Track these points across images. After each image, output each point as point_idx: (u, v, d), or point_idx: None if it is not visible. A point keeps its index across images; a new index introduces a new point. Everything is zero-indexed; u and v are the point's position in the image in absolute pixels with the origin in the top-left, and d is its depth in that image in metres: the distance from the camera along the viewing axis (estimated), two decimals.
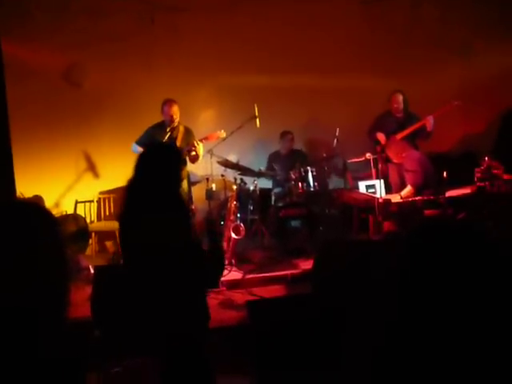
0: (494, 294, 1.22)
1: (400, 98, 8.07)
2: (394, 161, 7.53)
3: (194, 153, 7.15)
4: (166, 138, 6.98)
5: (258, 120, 7.47)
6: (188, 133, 7.35)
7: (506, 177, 7.28)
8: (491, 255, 1.28)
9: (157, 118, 7.37)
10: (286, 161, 8.37)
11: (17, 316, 1.35)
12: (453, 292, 1.23)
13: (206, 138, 7.25)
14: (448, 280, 1.24)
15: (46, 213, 1.48)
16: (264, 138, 8.56)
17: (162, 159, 3.61)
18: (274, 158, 8.65)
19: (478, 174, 7.52)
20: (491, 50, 9.32)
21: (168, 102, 7.25)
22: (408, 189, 7.16)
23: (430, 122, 7.74)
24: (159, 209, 3.36)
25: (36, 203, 1.50)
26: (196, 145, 7.08)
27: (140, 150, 7.15)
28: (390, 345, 1.27)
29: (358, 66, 8.89)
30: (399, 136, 7.94)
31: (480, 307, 1.21)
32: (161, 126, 7.30)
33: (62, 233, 1.48)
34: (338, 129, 7.93)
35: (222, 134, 7.26)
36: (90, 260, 7.06)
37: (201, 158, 7.31)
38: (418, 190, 7.17)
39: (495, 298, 1.22)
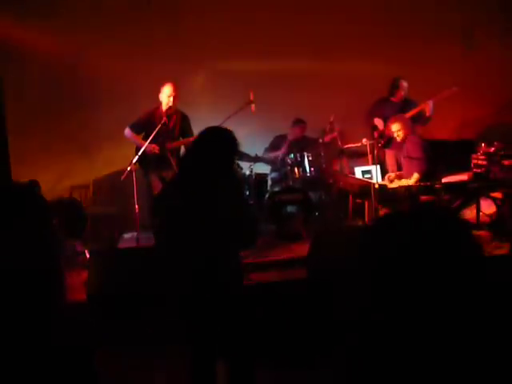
0: (455, 280, 1.21)
1: (406, 84, 8.08)
2: (401, 135, 7.32)
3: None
4: (161, 123, 6.88)
5: (253, 105, 7.43)
6: (184, 120, 7.23)
7: (506, 162, 7.22)
8: (454, 243, 1.25)
9: (154, 103, 7.32)
10: (292, 146, 8.37)
11: (10, 301, 1.35)
12: (417, 281, 1.21)
13: None
14: (410, 268, 1.21)
15: (37, 197, 1.47)
16: (261, 124, 8.54)
17: (219, 144, 3.80)
18: (279, 140, 8.64)
19: (475, 161, 7.51)
20: (491, 36, 9.31)
21: (165, 87, 7.11)
22: (416, 176, 7.14)
23: (429, 106, 7.74)
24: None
25: (27, 187, 1.49)
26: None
27: (129, 133, 7.13)
28: (364, 338, 1.25)
29: (356, 52, 8.85)
30: None
31: (440, 294, 1.19)
32: (156, 111, 7.18)
33: (52, 217, 1.48)
34: (333, 115, 7.92)
35: None
36: (86, 245, 7.04)
37: None
38: (424, 177, 7.15)
39: (456, 284, 1.21)
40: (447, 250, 1.22)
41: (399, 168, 7.69)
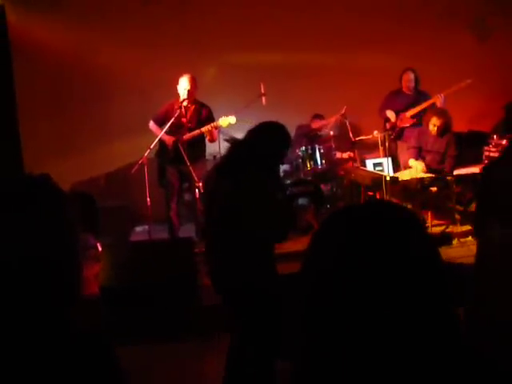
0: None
1: (411, 76, 8.03)
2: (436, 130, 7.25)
3: (207, 136, 7.05)
4: (175, 115, 6.87)
5: (264, 98, 7.42)
6: (200, 112, 7.12)
7: None
8: (399, 243, 1.13)
9: (165, 96, 7.31)
10: (314, 137, 8.43)
11: (30, 294, 1.36)
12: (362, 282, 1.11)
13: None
14: (350, 276, 1.11)
15: (56, 188, 1.48)
16: (272, 116, 8.49)
17: (270, 137, 3.90)
18: (303, 129, 8.70)
19: (487, 153, 7.47)
20: (506, 27, 9.23)
21: (182, 78, 7.03)
22: (412, 162, 7.18)
23: (440, 99, 7.70)
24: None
25: (45, 179, 1.49)
26: (210, 128, 6.94)
27: (153, 126, 7.13)
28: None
29: (368, 44, 8.80)
30: (409, 114, 7.91)
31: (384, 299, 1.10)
32: (175, 104, 7.09)
33: (70, 207, 1.48)
34: (344, 107, 7.91)
35: (233, 119, 6.94)
36: (98, 238, 7.08)
37: (216, 140, 7.17)
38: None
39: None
40: (390, 252, 1.12)
41: None
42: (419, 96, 8.00)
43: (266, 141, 3.83)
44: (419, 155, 7.42)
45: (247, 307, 3.68)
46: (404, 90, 8.10)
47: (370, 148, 8.32)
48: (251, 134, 3.93)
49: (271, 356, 3.70)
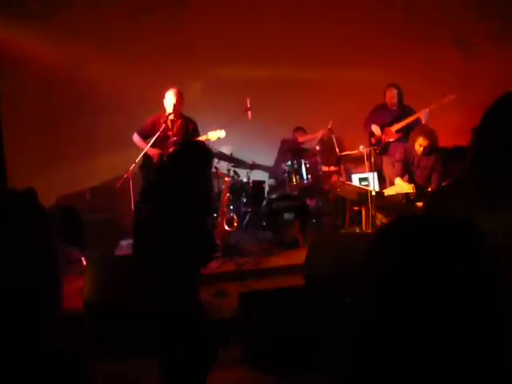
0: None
1: (394, 91, 8.07)
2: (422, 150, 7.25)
3: None
4: (161, 129, 6.87)
5: (249, 112, 7.43)
6: (186, 126, 7.12)
7: None
8: (476, 255, 1.13)
9: (151, 111, 7.31)
10: (300, 152, 8.46)
11: (3, 309, 1.34)
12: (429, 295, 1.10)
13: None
14: (425, 280, 1.11)
15: (33, 204, 1.46)
16: (258, 131, 8.54)
17: (190, 157, 3.86)
18: (290, 144, 8.73)
19: None
20: (489, 45, 9.33)
21: (168, 92, 7.05)
22: (398, 181, 7.20)
23: (424, 115, 7.75)
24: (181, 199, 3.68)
25: (23, 194, 1.48)
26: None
27: (137, 139, 7.12)
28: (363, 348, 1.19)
29: (353, 59, 8.87)
30: (394, 128, 7.95)
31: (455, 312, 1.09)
32: (160, 117, 7.09)
33: (50, 225, 1.47)
34: (331, 121, 7.95)
35: (222, 134, 6.94)
36: (83, 252, 7.02)
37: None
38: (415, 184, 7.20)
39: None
40: (456, 266, 1.11)
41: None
42: (404, 111, 8.05)
43: (184, 162, 3.83)
44: (406, 170, 7.43)
45: (175, 330, 3.67)
46: (388, 105, 8.15)
47: (356, 163, 8.35)
48: (170, 157, 4.00)
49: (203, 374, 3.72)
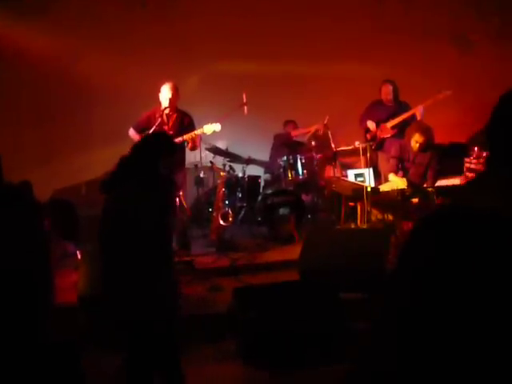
0: None
1: (389, 88, 8.07)
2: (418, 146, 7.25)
3: (189, 144, 6.96)
4: (157, 123, 6.84)
5: (245, 107, 7.42)
6: (182, 120, 7.06)
7: None
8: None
9: (147, 105, 7.28)
10: (293, 146, 8.46)
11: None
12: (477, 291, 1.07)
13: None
14: (473, 276, 1.07)
15: (27, 197, 1.47)
16: (253, 126, 8.53)
17: (149, 148, 3.87)
18: (283, 138, 8.74)
19: (468, 165, 7.52)
20: (486, 41, 9.34)
21: (164, 86, 6.99)
22: (392, 176, 7.23)
23: (419, 111, 7.75)
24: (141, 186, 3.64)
25: (17, 187, 1.48)
26: (193, 136, 6.86)
27: (132, 133, 7.09)
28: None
29: (350, 54, 8.89)
30: (389, 124, 7.95)
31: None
32: (156, 111, 7.05)
33: (43, 218, 1.47)
34: (327, 117, 7.96)
35: (218, 127, 6.88)
36: (78, 246, 7.02)
37: (198, 148, 7.14)
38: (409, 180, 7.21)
39: None
40: (498, 260, 1.08)
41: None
42: (400, 107, 8.04)
43: (142, 152, 3.84)
44: (400, 167, 7.44)
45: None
46: (383, 100, 8.15)
47: (351, 158, 8.35)
48: (132, 148, 3.94)
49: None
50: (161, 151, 3.86)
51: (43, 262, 1.47)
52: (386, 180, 7.55)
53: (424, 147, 7.14)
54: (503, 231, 1.12)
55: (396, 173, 7.35)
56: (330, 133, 7.98)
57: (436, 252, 1.12)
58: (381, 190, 7.09)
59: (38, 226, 1.45)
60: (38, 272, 1.42)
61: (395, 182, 7.17)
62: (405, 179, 7.14)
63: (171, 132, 7.02)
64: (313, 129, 8.27)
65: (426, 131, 7.15)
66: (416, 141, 7.10)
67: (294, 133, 8.67)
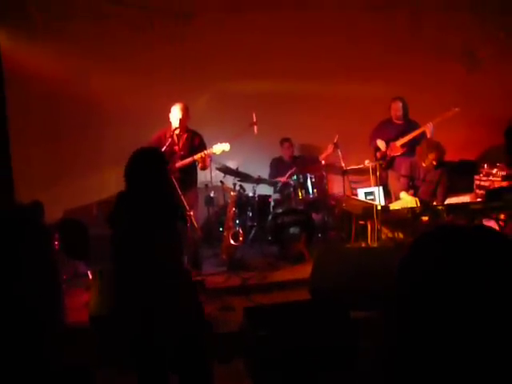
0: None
1: (399, 105, 8.09)
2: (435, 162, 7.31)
3: (199, 164, 6.99)
4: (167, 143, 6.87)
5: (255, 127, 7.45)
6: (192, 140, 7.13)
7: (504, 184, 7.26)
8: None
9: (157, 124, 7.33)
10: (289, 167, 8.40)
11: (7, 323, 1.35)
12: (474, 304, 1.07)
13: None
14: (469, 291, 1.08)
15: (37, 223, 1.48)
16: (263, 145, 8.56)
17: (142, 165, 3.89)
18: (276, 163, 8.72)
19: (477, 182, 7.52)
20: (493, 59, 9.36)
21: (174, 107, 7.06)
22: (403, 194, 7.24)
23: (429, 128, 7.76)
24: (150, 216, 3.68)
25: (27, 212, 1.50)
26: (203, 155, 6.90)
27: None
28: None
29: (359, 73, 8.91)
30: (399, 143, 7.96)
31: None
32: (167, 132, 7.11)
33: (53, 242, 1.49)
34: (337, 135, 7.98)
35: (227, 147, 6.97)
36: (89, 266, 7.04)
37: (208, 168, 7.16)
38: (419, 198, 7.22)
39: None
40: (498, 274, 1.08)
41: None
42: (409, 125, 8.06)
43: (135, 171, 3.86)
44: (411, 185, 7.46)
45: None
46: (393, 118, 8.17)
47: (361, 176, 8.36)
48: (126, 171, 3.92)
49: None
50: (156, 163, 3.92)
51: (52, 287, 1.47)
52: (397, 198, 7.56)
53: (438, 164, 7.18)
54: (503, 247, 1.13)
55: (407, 191, 7.35)
56: (339, 151, 7.99)
57: (435, 267, 1.13)
58: (391, 208, 7.10)
59: (47, 251, 1.46)
60: (47, 293, 1.43)
61: (406, 201, 7.18)
62: (416, 198, 7.14)
63: (182, 152, 7.06)
64: (330, 149, 8.26)
65: (438, 148, 7.20)
66: (430, 159, 7.14)
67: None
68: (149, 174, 3.78)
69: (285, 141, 8.72)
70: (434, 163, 7.16)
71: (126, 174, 3.85)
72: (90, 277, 6.40)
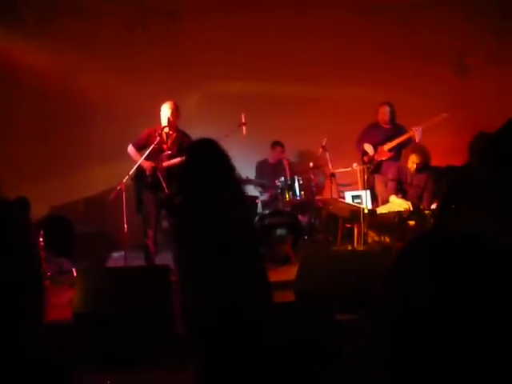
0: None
1: (387, 109, 8.11)
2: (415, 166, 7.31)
3: None
4: (156, 141, 6.84)
5: (244, 128, 7.44)
6: (181, 140, 7.03)
7: None
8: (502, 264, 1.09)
9: (146, 123, 7.30)
10: (274, 170, 8.40)
11: None
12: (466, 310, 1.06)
13: None
14: (461, 297, 1.06)
15: (13, 217, 1.47)
16: (251, 146, 8.55)
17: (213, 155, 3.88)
18: (261, 166, 8.72)
19: None
20: (482, 66, 9.40)
21: (164, 105, 7.00)
22: (393, 198, 7.23)
23: (418, 133, 7.78)
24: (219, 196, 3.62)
25: (8, 206, 1.49)
26: None
27: (131, 151, 7.07)
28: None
29: (347, 77, 8.93)
30: (387, 147, 7.98)
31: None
32: (155, 130, 7.02)
33: (36, 236, 1.48)
34: (325, 138, 7.98)
35: None
36: (74, 263, 7.01)
37: None
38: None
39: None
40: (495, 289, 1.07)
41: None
42: (396, 130, 8.08)
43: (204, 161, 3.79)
44: (399, 189, 7.48)
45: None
46: (380, 123, 8.19)
47: (348, 180, 8.38)
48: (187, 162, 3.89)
49: None
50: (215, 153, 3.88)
51: (33, 280, 1.47)
52: (383, 203, 7.58)
53: (420, 168, 7.19)
54: (491, 254, 1.12)
55: (396, 195, 7.38)
56: (327, 154, 8.00)
57: (423, 275, 1.12)
58: (379, 211, 7.12)
59: (29, 244, 1.45)
60: (29, 284, 1.43)
61: (397, 204, 7.20)
62: (409, 202, 7.16)
63: (169, 152, 7.03)
64: (318, 152, 8.25)
65: (422, 152, 7.22)
66: (413, 161, 7.16)
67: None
68: (221, 164, 3.80)
69: (277, 145, 8.69)
70: (415, 166, 7.18)
71: (196, 166, 3.80)
72: (75, 274, 6.36)
